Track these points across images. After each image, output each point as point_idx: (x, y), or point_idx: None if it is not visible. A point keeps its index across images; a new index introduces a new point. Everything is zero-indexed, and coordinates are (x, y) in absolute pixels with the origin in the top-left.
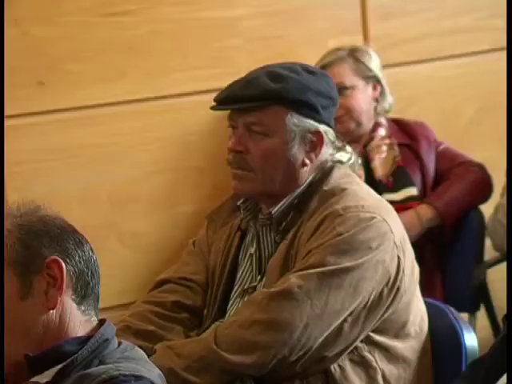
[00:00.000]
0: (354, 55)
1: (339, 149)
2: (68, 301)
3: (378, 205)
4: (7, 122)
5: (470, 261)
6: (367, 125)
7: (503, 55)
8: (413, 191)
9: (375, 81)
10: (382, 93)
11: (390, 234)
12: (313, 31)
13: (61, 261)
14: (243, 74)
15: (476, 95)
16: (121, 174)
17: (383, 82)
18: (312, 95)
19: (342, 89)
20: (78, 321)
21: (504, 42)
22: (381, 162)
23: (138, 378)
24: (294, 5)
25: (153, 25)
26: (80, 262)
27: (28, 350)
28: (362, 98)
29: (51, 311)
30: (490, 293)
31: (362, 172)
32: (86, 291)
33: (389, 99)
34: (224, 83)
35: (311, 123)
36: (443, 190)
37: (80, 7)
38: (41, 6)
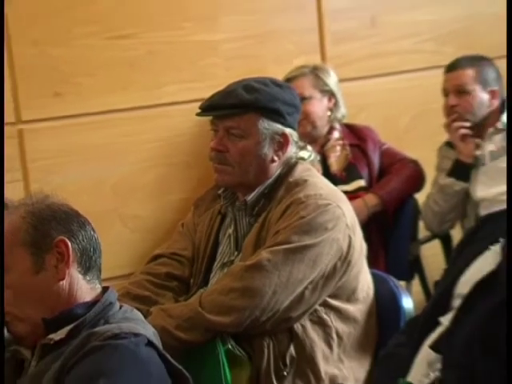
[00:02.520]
0: (315, 72)
1: (301, 148)
2: (75, 273)
3: (333, 194)
4: (28, 126)
5: (406, 239)
6: (322, 128)
7: (434, 72)
8: (361, 183)
9: (330, 94)
10: (336, 104)
11: (342, 217)
12: (280, 52)
13: (67, 240)
14: (223, 87)
15: (411, 105)
16: (123, 168)
17: (338, 95)
18: (280, 104)
19: (302, 98)
20: (85, 288)
21: (435, 62)
22: (335, 160)
23: (136, 335)
24: (264, 30)
25: (149, 46)
26: (83, 240)
27: (44, 314)
28: (318, 107)
29: (61, 282)
30: (423, 265)
31: (319, 167)
32: (89, 264)
33: (342, 110)
34: (207, 94)
35: (279, 127)
36: (385, 182)
37: (89, 31)
38: (56, 30)
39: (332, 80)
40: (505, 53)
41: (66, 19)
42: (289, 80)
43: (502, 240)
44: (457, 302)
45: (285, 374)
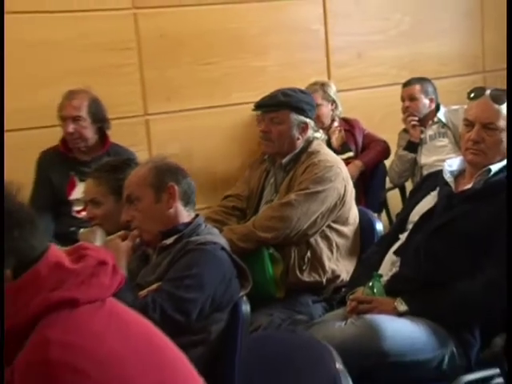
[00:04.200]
0: (323, 88)
1: (315, 131)
2: (179, 205)
3: (335, 159)
4: (151, 117)
5: (378, 188)
6: (327, 121)
7: (396, 87)
8: (350, 154)
9: (332, 101)
10: (336, 106)
11: (340, 173)
12: (303, 73)
13: (175, 185)
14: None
15: (382, 106)
16: (208, 143)
17: (337, 100)
18: (303, 104)
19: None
20: (185, 214)
21: (397, 81)
22: (335, 139)
23: (215, 243)
24: (294, 60)
25: (224, 70)
26: (184, 185)
27: (160, 228)
28: (324, 110)
29: (171, 210)
30: (388, 204)
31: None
32: (188, 200)
33: (339, 109)
34: (258, 98)
35: (302, 118)
36: (366, 153)
37: (189, 60)
38: (170, 59)
39: (333, 91)
40: (437, 75)
41: (176, 52)
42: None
43: (437, 188)
44: (410, 226)
45: (303, 268)
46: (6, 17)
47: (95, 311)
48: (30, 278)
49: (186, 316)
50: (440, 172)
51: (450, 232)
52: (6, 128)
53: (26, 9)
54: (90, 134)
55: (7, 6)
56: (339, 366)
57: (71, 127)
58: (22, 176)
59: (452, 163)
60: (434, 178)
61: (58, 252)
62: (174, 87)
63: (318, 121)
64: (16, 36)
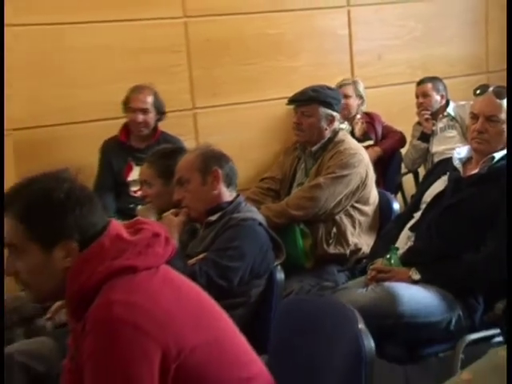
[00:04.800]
0: (354, 84)
1: (341, 123)
2: (222, 186)
3: (358, 147)
4: (199, 111)
5: (395, 173)
6: (353, 112)
7: (411, 85)
8: (371, 142)
9: (360, 96)
10: (362, 103)
11: (363, 160)
12: (331, 72)
13: (219, 169)
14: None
15: (399, 102)
16: (246, 133)
17: (364, 98)
18: (330, 99)
19: (345, 96)
20: (227, 194)
21: (412, 79)
22: (358, 129)
23: (253, 219)
24: (323, 61)
25: (262, 69)
26: (227, 169)
27: (206, 206)
28: (352, 102)
29: (215, 191)
30: (403, 187)
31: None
32: (230, 182)
33: (364, 105)
34: (290, 94)
35: (330, 112)
36: (385, 142)
37: (233, 60)
38: (219, 62)
39: (362, 88)
40: (446, 75)
41: (220, 54)
42: (340, 86)
43: (447, 173)
44: (423, 206)
45: (330, 242)
46: (85, 26)
47: (151, 276)
48: (95, 249)
49: (228, 282)
50: (450, 159)
51: (458, 211)
52: (82, 119)
53: (97, 19)
54: (153, 123)
55: (85, 17)
56: (361, 326)
57: (140, 117)
58: (94, 161)
59: (460, 151)
60: (445, 164)
61: (118, 226)
62: (218, 84)
63: (345, 109)
64: (89, 42)
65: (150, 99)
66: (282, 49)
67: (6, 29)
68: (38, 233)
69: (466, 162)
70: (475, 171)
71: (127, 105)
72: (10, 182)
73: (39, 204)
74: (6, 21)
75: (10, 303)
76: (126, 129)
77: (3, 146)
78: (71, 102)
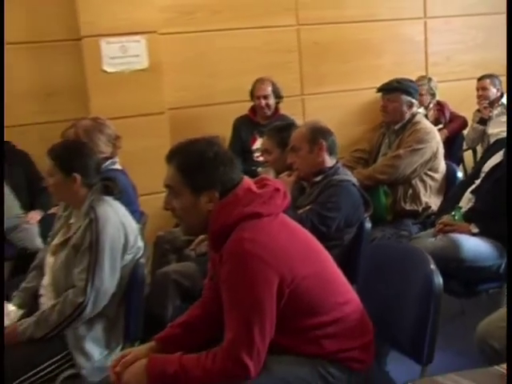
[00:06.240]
0: (429, 82)
1: (418, 108)
2: (326, 155)
3: (431, 127)
4: (306, 97)
5: (458, 149)
6: (426, 103)
7: (473, 81)
8: (440, 126)
9: (432, 93)
10: (433, 97)
11: (435, 137)
12: (409, 69)
13: (323, 141)
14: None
15: (464, 94)
16: (346, 117)
17: (436, 92)
18: (411, 89)
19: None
20: (329, 161)
21: (474, 75)
22: (430, 115)
23: (348, 181)
24: (403, 61)
25: (357, 66)
26: (330, 141)
27: (311, 170)
28: (425, 98)
29: (319, 158)
30: (464, 160)
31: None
32: (332, 151)
33: (436, 98)
34: (378, 84)
35: (410, 99)
36: (451, 125)
37: (332, 60)
38: (316, 57)
39: (434, 84)
40: (501, 73)
41: (325, 54)
42: (417, 80)
43: (503, 149)
44: (482, 174)
45: (406, 200)
46: (227, 32)
47: (272, 221)
48: (232, 198)
49: (327, 228)
50: (504, 138)
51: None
52: (219, 102)
53: (235, 27)
54: (273, 106)
55: (227, 25)
56: (433, 266)
57: (263, 102)
58: (227, 134)
59: None
60: (501, 142)
61: (249, 181)
62: (322, 77)
63: (421, 101)
64: (229, 44)
65: (269, 88)
66: (371, 50)
67: (162, 37)
68: (191, 181)
69: None
70: None
71: (253, 93)
72: (167, 147)
73: (194, 160)
74: (163, 30)
75: (166, 237)
76: (253, 109)
77: (3, 143)
78: (212, 89)
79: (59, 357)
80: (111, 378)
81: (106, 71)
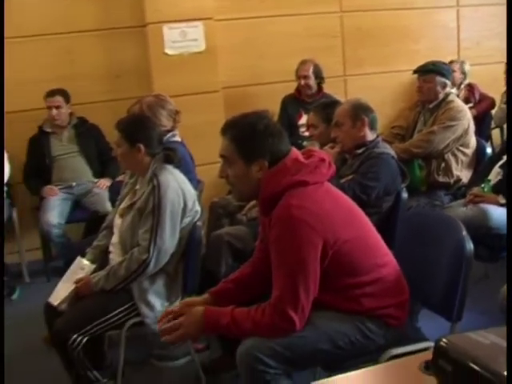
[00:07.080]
0: (462, 64)
1: (451, 88)
2: (367, 129)
3: (463, 106)
4: (348, 77)
5: (487, 127)
6: (458, 82)
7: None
8: (471, 105)
9: (464, 74)
10: (465, 78)
11: (466, 115)
12: (442, 54)
13: (365, 117)
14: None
15: (494, 77)
16: (384, 97)
17: (467, 74)
18: (445, 71)
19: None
20: (370, 135)
21: (500, 60)
22: (461, 95)
23: (387, 153)
24: (439, 46)
25: (395, 50)
26: (371, 117)
27: (354, 143)
28: (458, 77)
29: (361, 133)
30: (492, 137)
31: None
32: (372, 126)
33: (467, 80)
34: (414, 67)
35: (444, 80)
36: (480, 105)
37: (371, 44)
38: (358, 41)
39: (467, 67)
40: None
41: (366, 39)
42: (450, 63)
43: None
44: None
45: (439, 173)
46: (275, 19)
47: (317, 189)
48: (280, 167)
49: (367, 196)
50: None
51: None
52: (267, 81)
53: (282, 13)
54: (313, 85)
55: (275, 11)
56: (465, 233)
57: (303, 82)
58: (275, 111)
59: None
60: None
61: (296, 152)
62: (363, 59)
63: (454, 79)
64: (277, 29)
65: (310, 69)
66: (408, 35)
67: (217, 23)
68: (243, 151)
69: None
70: None
71: (296, 73)
72: (221, 121)
73: (246, 132)
74: (218, 17)
75: (220, 202)
76: (298, 88)
77: (3, 142)
78: (261, 70)
79: (126, 306)
80: (158, 327)
81: (167, 54)
